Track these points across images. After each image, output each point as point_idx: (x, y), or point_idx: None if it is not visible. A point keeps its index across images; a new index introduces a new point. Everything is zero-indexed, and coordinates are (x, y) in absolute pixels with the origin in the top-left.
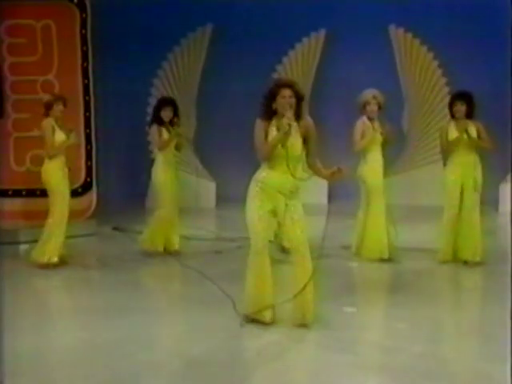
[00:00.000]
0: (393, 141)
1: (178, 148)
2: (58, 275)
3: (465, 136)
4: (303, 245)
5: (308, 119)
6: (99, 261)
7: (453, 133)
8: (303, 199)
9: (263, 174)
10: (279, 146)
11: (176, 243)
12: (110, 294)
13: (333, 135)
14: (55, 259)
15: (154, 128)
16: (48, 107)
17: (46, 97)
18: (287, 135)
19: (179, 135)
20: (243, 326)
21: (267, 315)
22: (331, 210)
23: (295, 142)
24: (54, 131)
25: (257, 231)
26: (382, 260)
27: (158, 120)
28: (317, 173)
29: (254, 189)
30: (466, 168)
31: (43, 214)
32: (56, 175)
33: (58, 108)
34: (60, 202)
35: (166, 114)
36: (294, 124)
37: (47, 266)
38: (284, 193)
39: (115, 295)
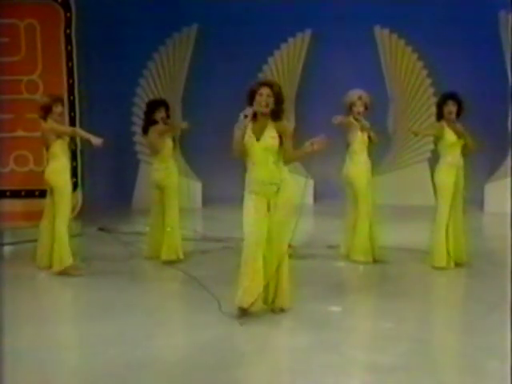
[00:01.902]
0: (378, 142)
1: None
2: (43, 276)
3: (462, 139)
4: (282, 227)
5: (284, 122)
6: (85, 261)
7: (451, 135)
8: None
9: (251, 171)
10: (254, 140)
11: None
12: (96, 295)
13: (318, 134)
14: (71, 261)
15: (158, 128)
16: (47, 110)
17: (43, 99)
18: (246, 125)
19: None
20: (243, 325)
21: (258, 305)
22: (317, 210)
23: (270, 136)
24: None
25: (251, 223)
26: (369, 261)
27: (152, 123)
28: (296, 159)
29: (248, 188)
30: (459, 169)
31: (29, 216)
32: (65, 175)
33: (58, 110)
34: (67, 202)
35: (160, 116)
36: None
37: (69, 270)
38: (274, 183)
39: (101, 296)
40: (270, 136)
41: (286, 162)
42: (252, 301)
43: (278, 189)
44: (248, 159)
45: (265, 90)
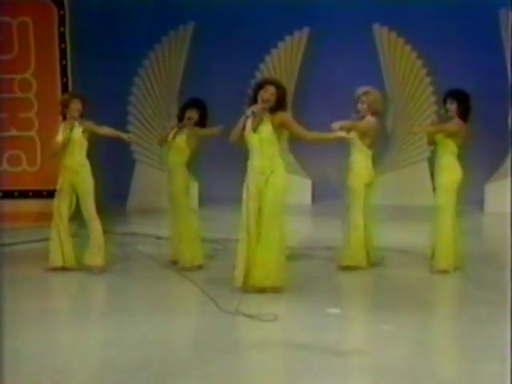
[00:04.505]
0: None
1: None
2: (38, 278)
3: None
4: (272, 219)
5: (279, 114)
6: (80, 263)
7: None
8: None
9: (250, 159)
10: (252, 131)
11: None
12: (92, 296)
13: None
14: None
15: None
16: (64, 106)
17: (64, 96)
18: (247, 120)
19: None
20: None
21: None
22: (315, 210)
23: (264, 128)
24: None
25: (246, 209)
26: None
27: (180, 120)
28: (317, 140)
29: (247, 176)
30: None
31: (23, 217)
32: None
33: (75, 106)
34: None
35: (190, 115)
36: (266, 115)
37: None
38: (265, 173)
39: (97, 297)
40: (265, 128)
41: (309, 141)
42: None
43: (267, 179)
44: (249, 149)
45: (270, 88)
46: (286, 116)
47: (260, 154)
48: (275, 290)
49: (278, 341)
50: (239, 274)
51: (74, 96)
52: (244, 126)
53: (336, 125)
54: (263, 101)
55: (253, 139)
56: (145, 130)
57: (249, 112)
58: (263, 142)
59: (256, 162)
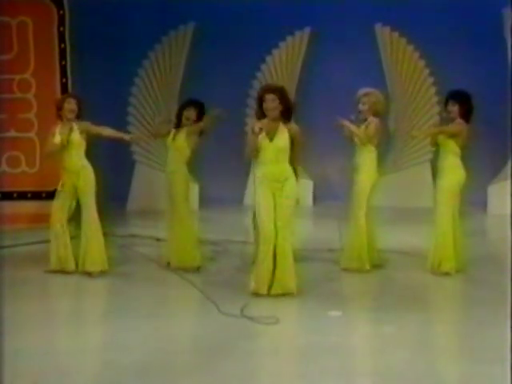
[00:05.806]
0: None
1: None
2: (37, 279)
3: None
4: (287, 227)
5: (295, 126)
6: (79, 265)
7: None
8: None
9: (260, 168)
10: (268, 141)
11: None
12: (92, 299)
13: (318, 135)
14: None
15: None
16: (58, 107)
17: (61, 96)
18: (257, 135)
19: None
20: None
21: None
22: (316, 212)
23: (281, 137)
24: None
25: (264, 220)
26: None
27: (178, 121)
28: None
29: (256, 184)
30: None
31: (20, 218)
32: None
33: (69, 107)
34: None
35: (188, 115)
36: (281, 126)
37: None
38: (280, 180)
39: (96, 299)
40: (283, 137)
41: (291, 163)
42: (261, 286)
43: (282, 186)
44: (258, 158)
45: (269, 96)
46: (298, 131)
47: (276, 162)
48: (291, 293)
49: (279, 343)
50: (263, 282)
51: (70, 96)
52: (255, 142)
53: (350, 125)
54: (269, 110)
55: (268, 149)
56: (145, 130)
57: (256, 129)
58: (280, 151)
59: (270, 172)
